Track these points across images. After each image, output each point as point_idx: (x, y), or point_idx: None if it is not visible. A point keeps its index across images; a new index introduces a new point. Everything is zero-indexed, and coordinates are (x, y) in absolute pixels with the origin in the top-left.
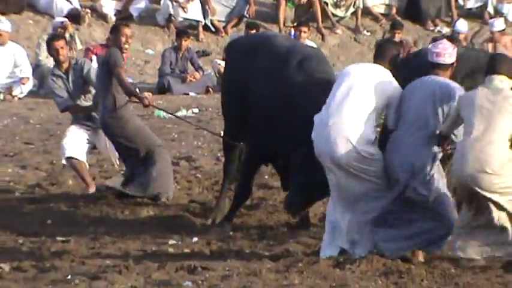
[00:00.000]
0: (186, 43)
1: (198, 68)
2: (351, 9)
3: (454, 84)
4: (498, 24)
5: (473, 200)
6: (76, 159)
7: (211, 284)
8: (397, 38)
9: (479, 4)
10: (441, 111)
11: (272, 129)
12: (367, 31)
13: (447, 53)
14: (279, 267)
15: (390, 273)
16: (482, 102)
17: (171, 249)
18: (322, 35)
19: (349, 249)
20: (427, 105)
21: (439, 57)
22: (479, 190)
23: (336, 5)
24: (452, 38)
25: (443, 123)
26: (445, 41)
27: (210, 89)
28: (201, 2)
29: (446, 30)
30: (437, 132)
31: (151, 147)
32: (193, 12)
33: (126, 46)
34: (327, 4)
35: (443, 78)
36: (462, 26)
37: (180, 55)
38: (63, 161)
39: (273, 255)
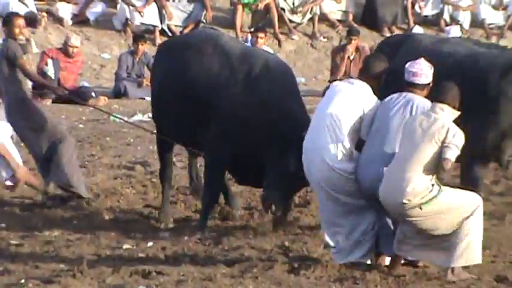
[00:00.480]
0: (143, 47)
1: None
2: (308, 16)
3: (427, 103)
4: (454, 31)
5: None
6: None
7: None
8: (353, 44)
9: (435, 12)
10: None
11: (243, 132)
12: (324, 37)
13: (423, 74)
14: (234, 273)
15: (345, 279)
16: (416, 127)
17: (125, 254)
18: (279, 41)
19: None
20: (398, 123)
21: (415, 77)
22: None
23: (293, 11)
24: None
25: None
26: (422, 60)
27: None
28: (158, 7)
29: None
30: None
31: (58, 138)
32: (150, 16)
33: (21, 37)
34: (284, 10)
35: (419, 97)
36: (418, 31)
37: (137, 59)
38: None
39: (228, 260)
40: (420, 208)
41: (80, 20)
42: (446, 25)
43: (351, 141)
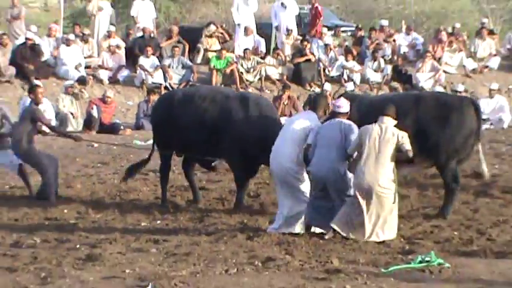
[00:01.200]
0: (154, 97)
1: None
2: (258, 76)
3: (351, 123)
4: (350, 86)
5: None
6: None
7: (168, 250)
8: (286, 94)
9: (338, 73)
10: (345, 139)
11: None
12: (268, 90)
13: (343, 106)
14: (212, 240)
15: (282, 243)
16: (374, 135)
17: (143, 228)
18: None
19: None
20: (336, 137)
21: (340, 108)
22: (373, 194)
23: (248, 73)
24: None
25: (348, 148)
26: (342, 98)
27: None
28: (162, 72)
29: (318, 89)
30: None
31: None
32: (158, 77)
33: (42, 101)
34: (242, 73)
35: (344, 120)
36: (327, 86)
37: (150, 105)
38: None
39: (208, 232)
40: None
41: (113, 80)
42: (345, 82)
43: (298, 150)
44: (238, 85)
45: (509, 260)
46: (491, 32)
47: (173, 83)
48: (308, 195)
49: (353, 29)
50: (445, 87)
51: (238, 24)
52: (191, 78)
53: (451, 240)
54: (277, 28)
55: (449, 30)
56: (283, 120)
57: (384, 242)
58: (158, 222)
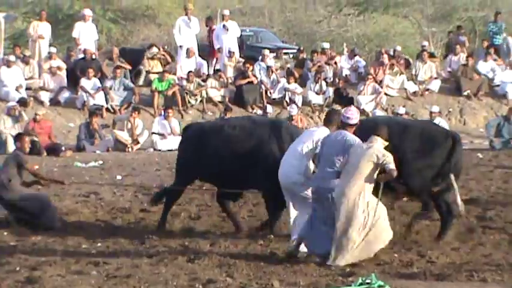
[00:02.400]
0: (95, 119)
1: (101, 136)
2: (199, 98)
3: (357, 139)
4: (293, 109)
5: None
6: None
7: (109, 272)
8: (228, 116)
9: (280, 96)
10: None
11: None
12: (210, 112)
13: (354, 117)
14: (152, 262)
15: (223, 265)
16: (356, 152)
17: (83, 250)
18: (182, 115)
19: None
20: (338, 149)
21: (349, 119)
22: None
23: (190, 96)
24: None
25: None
26: (353, 108)
27: (110, 149)
28: (104, 93)
29: (260, 112)
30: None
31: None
32: (99, 99)
33: (27, 150)
34: (186, 94)
35: (350, 134)
36: (270, 109)
37: (91, 127)
38: None
39: (149, 254)
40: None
41: (54, 102)
42: (287, 104)
43: (306, 163)
44: (180, 107)
45: (449, 282)
46: (432, 55)
47: (115, 104)
48: None
49: (295, 51)
50: (386, 110)
51: (180, 46)
52: (133, 100)
53: (392, 262)
54: (219, 50)
55: (391, 52)
56: None
57: (324, 264)
58: (99, 244)
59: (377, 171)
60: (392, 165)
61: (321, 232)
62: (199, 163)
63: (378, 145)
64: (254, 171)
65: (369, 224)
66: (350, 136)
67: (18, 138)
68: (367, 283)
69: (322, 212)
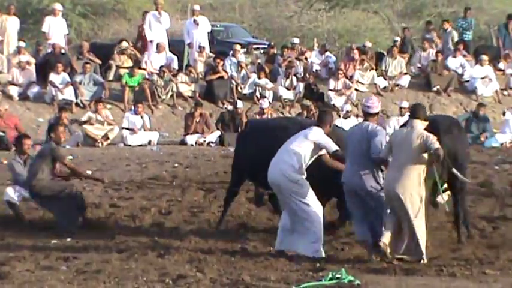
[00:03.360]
0: (65, 114)
1: (71, 131)
2: (170, 93)
3: (375, 125)
4: (264, 102)
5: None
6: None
7: (78, 268)
8: (198, 111)
9: (251, 91)
10: (370, 143)
11: None
12: (181, 107)
13: (375, 106)
14: (122, 257)
15: (193, 261)
16: (400, 138)
17: (53, 246)
18: (152, 110)
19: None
20: (362, 142)
21: (370, 108)
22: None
23: (160, 90)
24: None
25: (381, 152)
26: (373, 97)
27: (79, 144)
28: (73, 88)
29: (230, 107)
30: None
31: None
32: (69, 94)
33: (63, 139)
34: (156, 89)
35: (371, 123)
36: (240, 104)
37: (60, 122)
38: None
39: (119, 249)
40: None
41: (23, 96)
42: (258, 99)
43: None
44: (150, 102)
45: (418, 277)
46: (402, 51)
47: (84, 99)
48: (313, 210)
49: (266, 46)
50: (356, 105)
51: (151, 41)
52: (102, 94)
53: (362, 257)
54: (189, 45)
55: (363, 48)
56: None
57: (294, 259)
58: (68, 240)
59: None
60: (437, 145)
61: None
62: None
63: (420, 127)
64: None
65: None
66: (372, 126)
67: (52, 129)
68: (337, 278)
69: (357, 210)
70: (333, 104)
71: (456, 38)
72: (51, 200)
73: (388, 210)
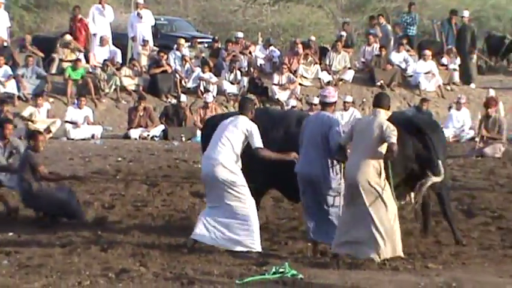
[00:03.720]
0: (7, 107)
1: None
2: (113, 87)
3: (330, 114)
4: (208, 97)
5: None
6: None
7: (20, 262)
8: (142, 105)
9: (195, 85)
10: (326, 134)
11: None
12: (124, 101)
13: (331, 95)
14: (65, 251)
15: (136, 255)
16: (364, 126)
17: None
18: (95, 103)
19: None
20: (319, 131)
21: (327, 98)
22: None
23: (103, 84)
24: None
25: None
26: (330, 87)
27: (22, 138)
28: (16, 81)
29: (174, 101)
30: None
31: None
32: (11, 87)
33: (42, 149)
34: (99, 82)
35: (328, 113)
36: (184, 98)
37: (2, 115)
38: None
39: (62, 243)
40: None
41: None
42: (202, 93)
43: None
44: (93, 96)
45: (361, 270)
46: (346, 45)
47: (27, 93)
48: (248, 203)
49: (210, 40)
50: (300, 100)
51: (94, 34)
52: (45, 88)
53: (305, 251)
54: (133, 39)
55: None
56: None
57: (238, 253)
58: (10, 234)
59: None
60: (393, 139)
61: (321, 218)
62: None
63: (382, 116)
64: None
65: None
66: (329, 115)
67: (32, 137)
68: (281, 272)
69: (311, 197)
70: (277, 99)
71: (391, 33)
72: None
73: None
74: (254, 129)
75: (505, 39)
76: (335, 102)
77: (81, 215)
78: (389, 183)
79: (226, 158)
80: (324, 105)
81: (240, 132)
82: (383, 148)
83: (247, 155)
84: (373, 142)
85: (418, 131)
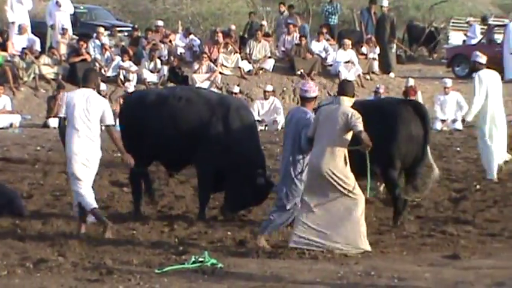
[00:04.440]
0: None
1: None
2: (32, 75)
3: (306, 110)
4: (129, 86)
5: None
6: None
7: None
8: (61, 93)
9: (114, 74)
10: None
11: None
12: (43, 89)
13: (312, 90)
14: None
15: (55, 245)
16: (328, 114)
17: None
18: (13, 92)
19: None
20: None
21: (307, 92)
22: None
23: (22, 72)
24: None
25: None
26: (310, 81)
27: None
28: None
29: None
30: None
31: None
32: None
33: None
34: (18, 71)
35: (304, 109)
36: (104, 87)
37: None
38: None
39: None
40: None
41: None
42: (122, 83)
43: None
44: (11, 84)
45: (281, 260)
46: (266, 34)
47: None
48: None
49: (130, 29)
50: (220, 89)
51: (12, 23)
52: None
53: (225, 240)
54: (52, 27)
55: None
56: None
57: (157, 242)
58: None
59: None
60: (360, 127)
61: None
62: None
63: (346, 104)
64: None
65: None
66: (301, 109)
67: None
68: (200, 261)
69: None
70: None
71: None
72: None
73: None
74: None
75: (427, 28)
76: (315, 97)
77: (23, 210)
78: (369, 176)
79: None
80: (304, 100)
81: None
82: (348, 136)
83: None
84: (337, 131)
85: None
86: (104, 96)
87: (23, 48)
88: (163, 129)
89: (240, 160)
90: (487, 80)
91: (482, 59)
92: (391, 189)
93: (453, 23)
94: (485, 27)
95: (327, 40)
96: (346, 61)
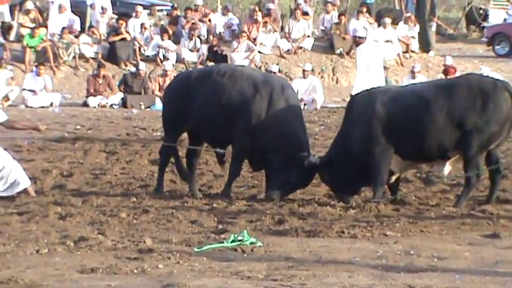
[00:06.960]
0: None
1: None
2: (72, 54)
3: None
4: (167, 65)
5: None
6: None
7: None
8: (101, 73)
9: (154, 53)
10: None
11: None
12: (83, 69)
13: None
14: (23, 219)
15: (95, 223)
16: None
17: None
18: (54, 71)
19: None
20: None
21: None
22: None
23: (62, 51)
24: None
25: None
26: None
27: None
28: None
29: (133, 69)
30: None
31: None
32: None
33: None
34: (58, 50)
35: None
36: (143, 66)
37: None
38: None
39: (19, 211)
40: None
41: None
42: (161, 61)
43: None
44: (52, 63)
45: (320, 238)
46: (305, 13)
47: None
48: None
49: (169, 8)
50: (259, 68)
51: (52, 2)
52: (4, 55)
53: (264, 219)
54: (91, 6)
55: (266, 11)
56: None
57: (196, 221)
58: None
59: None
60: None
61: None
62: None
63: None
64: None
65: None
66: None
67: None
68: (239, 240)
69: None
70: None
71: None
72: None
73: None
74: None
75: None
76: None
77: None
78: None
79: None
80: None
81: None
82: None
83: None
84: None
85: None
86: (142, 76)
87: (63, 28)
88: (207, 105)
89: (283, 141)
90: None
91: None
92: (472, 169)
93: (494, 0)
94: None
95: (366, 19)
96: (386, 40)
